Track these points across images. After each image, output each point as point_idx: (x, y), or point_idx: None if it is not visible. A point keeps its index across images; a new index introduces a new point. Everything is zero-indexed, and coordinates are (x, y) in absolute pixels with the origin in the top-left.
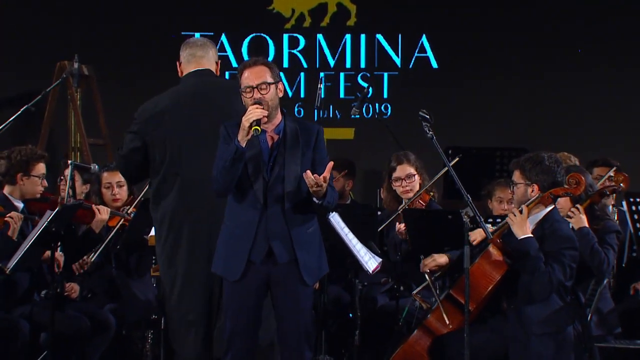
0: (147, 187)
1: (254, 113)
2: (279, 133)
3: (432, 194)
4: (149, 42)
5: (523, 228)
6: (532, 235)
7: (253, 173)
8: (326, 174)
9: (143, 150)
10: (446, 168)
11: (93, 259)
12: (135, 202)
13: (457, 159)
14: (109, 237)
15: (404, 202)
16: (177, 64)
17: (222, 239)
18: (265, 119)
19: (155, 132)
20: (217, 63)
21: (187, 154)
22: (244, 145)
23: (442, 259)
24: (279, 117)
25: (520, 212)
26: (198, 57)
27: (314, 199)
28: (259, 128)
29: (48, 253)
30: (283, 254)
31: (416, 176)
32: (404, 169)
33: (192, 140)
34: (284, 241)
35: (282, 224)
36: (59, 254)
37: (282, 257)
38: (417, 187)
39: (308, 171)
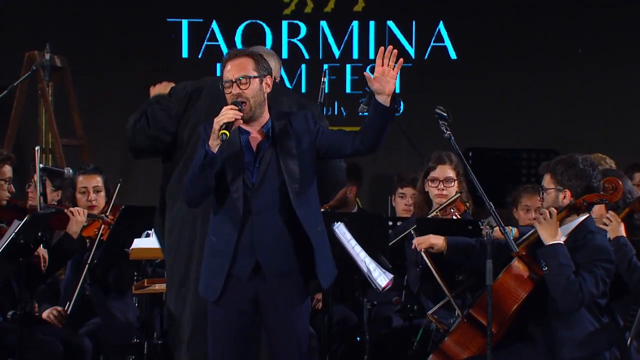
0: (118, 187)
1: (226, 114)
2: (267, 132)
3: (468, 204)
4: (131, 29)
5: (552, 233)
6: (561, 242)
7: (232, 180)
8: (385, 61)
9: (174, 121)
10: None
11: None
12: (111, 207)
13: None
14: (91, 255)
15: (433, 206)
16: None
17: (205, 255)
18: (240, 122)
19: (190, 111)
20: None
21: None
22: (215, 150)
23: (435, 239)
24: (265, 116)
25: (550, 215)
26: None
27: (380, 101)
28: (227, 133)
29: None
30: (272, 267)
31: (455, 181)
32: (444, 171)
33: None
34: (274, 252)
35: (273, 232)
36: (43, 251)
37: (271, 271)
38: (453, 193)
39: (366, 73)
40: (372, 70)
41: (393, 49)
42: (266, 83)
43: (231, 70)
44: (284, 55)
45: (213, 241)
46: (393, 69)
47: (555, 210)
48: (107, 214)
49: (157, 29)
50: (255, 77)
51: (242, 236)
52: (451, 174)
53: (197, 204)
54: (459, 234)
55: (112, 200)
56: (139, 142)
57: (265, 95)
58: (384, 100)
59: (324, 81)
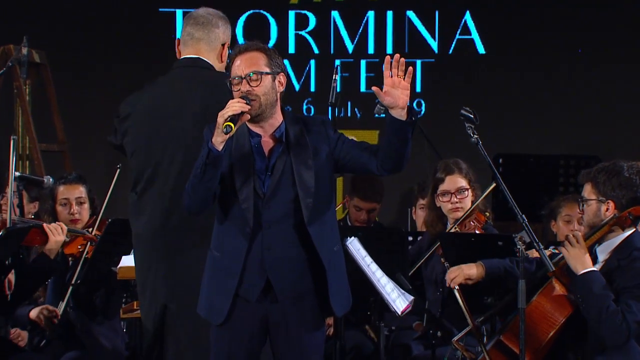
0: (106, 202)
1: (231, 106)
2: (280, 137)
3: (487, 214)
4: (120, 21)
5: (581, 260)
6: (594, 269)
7: (242, 187)
8: (394, 71)
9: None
10: (495, 182)
11: (63, 307)
12: (98, 222)
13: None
14: (75, 275)
15: (449, 224)
16: (176, 42)
17: (206, 271)
18: (247, 117)
19: (134, 132)
20: (223, 46)
21: (169, 162)
22: (220, 148)
23: (471, 270)
24: (278, 118)
25: (577, 240)
26: (196, 39)
27: (395, 116)
28: (232, 125)
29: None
30: (285, 287)
31: (469, 191)
32: (454, 181)
33: (169, 145)
34: (287, 271)
35: (286, 250)
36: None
37: (283, 292)
38: (469, 205)
39: (374, 87)
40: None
41: (400, 56)
42: (279, 81)
43: (241, 66)
44: (291, 49)
45: (216, 257)
46: (404, 78)
47: (582, 234)
48: (92, 229)
49: (149, 20)
50: (267, 73)
51: (251, 252)
52: (463, 183)
53: (199, 211)
54: (488, 251)
55: (99, 218)
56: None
57: (278, 95)
58: (400, 114)
59: (335, 79)
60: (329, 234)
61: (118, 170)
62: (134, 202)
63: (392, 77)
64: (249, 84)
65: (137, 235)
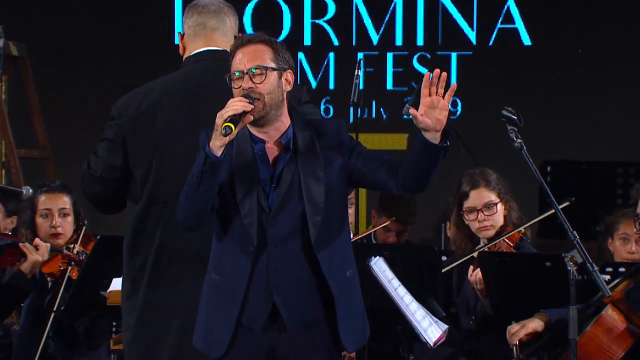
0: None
1: (232, 106)
2: (287, 143)
3: (522, 230)
4: (109, 10)
5: None
6: None
7: (244, 200)
8: (433, 89)
9: (125, 165)
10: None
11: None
12: (82, 237)
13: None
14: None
15: (481, 243)
16: (179, 37)
17: (204, 297)
18: (250, 118)
19: (140, 138)
20: (235, 37)
21: (180, 175)
22: (218, 153)
23: (534, 323)
24: (285, 121)
25: None
26: (209, 29)
27: (428, 138)
28: (232, 126)
29: None
30: (294, 314)
31: (499, 205)
32: (481, 196)
33: (189, 154)
34: (296, 296)
35: (294, 271)
36: None
37: (292, 319)
38: (501, 221)
39: (411, 109)
40: (420, 61)
41: (441, 71)
42: (286, 79)
43: (243, 60)
44: (307, 40)
45: (215, 280)
46: (443, 97)
47: None
48: (76, 245)
49: (144, 9)
50: (273, 69)
51: (255, 274)
52: (491, 196)
53: (195, 226)
54: (533, 273)
55: (82, 233)
56: (108, 212)
57: (285, 94)
58: (433, 137)
59: (358, 74)
60: (341, 257)
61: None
62: (161, 210)
63: (430, 95)
64: (252, 80)
65: (166, 244)
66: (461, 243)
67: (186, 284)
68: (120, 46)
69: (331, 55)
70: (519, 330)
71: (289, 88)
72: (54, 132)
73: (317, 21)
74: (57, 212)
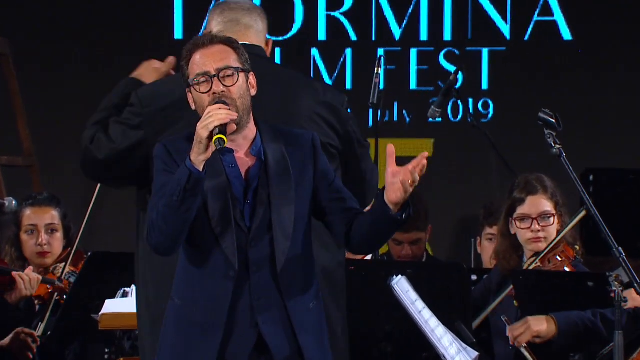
0: (83, 227)
1: (216, 114)
2: (257, 155)
3: (577, 248)
4: (101, 3)
5: None
6: None
7: (219, 220)
8: (419, 162)
9: (141, 159)
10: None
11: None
12: (72, 255)
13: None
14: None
15: (525, 259)
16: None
17: (169, 328)
18: (234, 127)
19: (162, 134)
20: (267, 43)
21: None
22: (201, 168)
23: (541, 325)
24: (252, 129)
25: None
26: (244, 25)
27: (390, 211)
28: (224, 138)
29: None
30: (283, 344)
31: (554, 217)
32: (537, 203)
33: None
34: (283, 325)
35: (277, 298)
36: None
37: (281, 349)
38: (554, 235)
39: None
40: (447, 58)
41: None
42: (251, 83)
43: (207, 61)
44: (321, 35)
45: (184, 310)
46: (412, 182)
47: None
48: (66, 265)
49: (140, 3)
50: (241, 70)
51: (236, 303)
52: (548, 206)
53: (170, 251)
54: (574, 293)
55: (74, 250)
56: (92, 173)
57: (250, 99)
58: (391, 206)
59: (378, 73)
60: (306, 287)
61: (98, 187)
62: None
63: (411, 168)
64: (222, 83)
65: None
66: (506, 254)
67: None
68: (115, 43)
69: (348, 51)
70: (524, 335)
71: (254, 92)
72: (40, 137)
73: (332, 13)
74: (44, 228)
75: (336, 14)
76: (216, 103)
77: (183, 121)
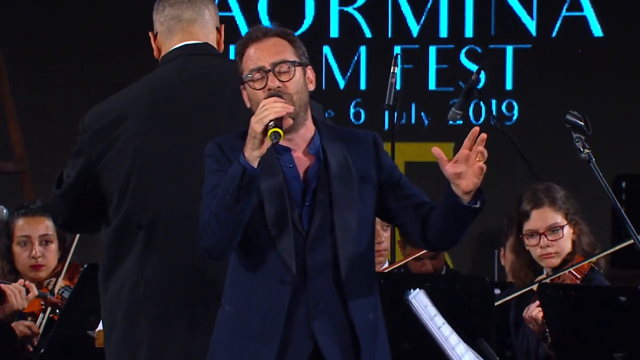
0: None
1: (271, 107)
2: (316, 154)
3: (593, 261)
4: (95, 3)
5: None
6: None
7: (276, 222)
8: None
9: (92, 183)
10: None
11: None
12: (66, 267)
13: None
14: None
15: (544, 273)
16: (151, 37)
17: (221, 336)
18: (291, 121)
19: (109, 152)
20: (218, 30)
21: (159, 193)
22: (256, 164)
23: None
24: (310, 127)
25: None
26: (186, 21)
27: (464, 202)
28: (280, 131)
29: None
30: (340, 356)
31: (565, 228)
32: (544, 217)
33: (171, 169)
34: (341, 335)
35: (336, 307)
36: None
37: None
38: (568, 247)
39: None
40: (469, 56)
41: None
42: (309, 77)
43: (262, 55)
44: (333, 32)
45: (237, 318)
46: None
47: None
48: (60, 278)
49: (134, 4)
50: (298, 64)
51: (293, 310)
52: (557, 218)
53: (223, 254)
54: (605, 309)
55: (67, 264)
56: (70, 231)
57: (308, 95)
58: (462, 194)
59: (394, 72)
60: (368, 296)
61: None
62: (135, 239)
63: (470, 149)
64: (278, 79)
65: (144, 284)
66: (520, 272)
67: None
68: (111, 43)
69: (362, 49)
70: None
71: (312, 87)
72: (32, 141)
73: (345, 9)
74: (38, 239)
75: (349, 9)
76: (271, 96)
77: (119, 142)
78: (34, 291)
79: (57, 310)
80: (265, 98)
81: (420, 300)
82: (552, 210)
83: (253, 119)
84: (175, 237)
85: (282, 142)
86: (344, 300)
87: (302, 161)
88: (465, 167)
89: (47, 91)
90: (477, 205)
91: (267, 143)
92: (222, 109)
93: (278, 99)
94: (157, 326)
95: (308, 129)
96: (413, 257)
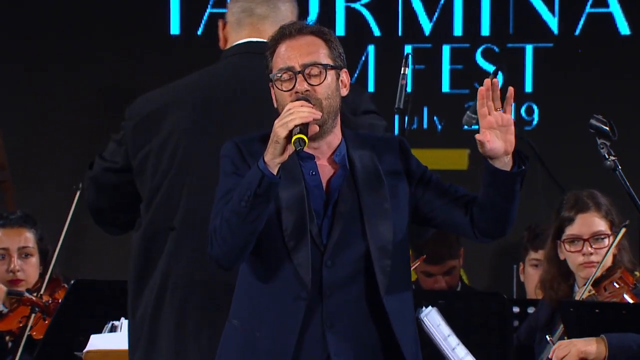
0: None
1: (297, 112)
2: (342, 161)
3: (637, 274)
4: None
5: None
6: None
7: (293, 233)
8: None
9: (125, 174)
10: None
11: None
12: (46, 281)
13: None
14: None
15: (577, 287)
16: (220, 26)
17: (228, 353)
18: (317, 128)
19: (146, 146)
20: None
21: (193, 194)
22: (275, 171)
23: (589, 345)
24: (337, 134)
25: None
26: (257, 17)
27: (497, 166)
28: (305, 138)
29: None
30: None
31: (609, 238)
32: (590, 222)
33: (207, 172)
34: (358, 356)
35: (355, 328)
36: None
37: None
38: (609, 261)
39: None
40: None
41: (493, 77)
42: (342, 80)
43: (292, 54)
44: (339, 30)
45: (246, 335)
46: (503, 109)
47: None
48: (41, 293)
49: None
50: (331, 67)
51: (306, 329)
52: (601, 226)
53: (233, 264)
54: (634, 326)
55: (48, 277)
56: (105, 227)
57: (340, 100)
58: (503, 163)
59: (405, 73)
60: (408, 309)
61: (77, 195)
62: (165, 241)
63: (490, 113)
64: (307, 82)
65: (172, 288)
66: (553, 283)
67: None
68: (102, 40)
69: (370, 48)
70: (570, 354)
71: (345, 92)
72: (14, 147)
73: (352, 5)
74: (17, 252)
75: (356, 5)
76: (298, 100)
77: (160, 136)
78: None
79: (39, 312)
80: (292, 101)
81: (432, 319)
82: (598, 217)
83: (277, 123)
84: (202, 245)
85: (305, 149)
86: (381, 318)
87: (326, 169)
88: (497, 135)
89: (32, 93)
90: (523, 168)
91: (290, 150)
92: (271, 117)
93: (305, 103)
94: (175, 343)
95: (335, 137)
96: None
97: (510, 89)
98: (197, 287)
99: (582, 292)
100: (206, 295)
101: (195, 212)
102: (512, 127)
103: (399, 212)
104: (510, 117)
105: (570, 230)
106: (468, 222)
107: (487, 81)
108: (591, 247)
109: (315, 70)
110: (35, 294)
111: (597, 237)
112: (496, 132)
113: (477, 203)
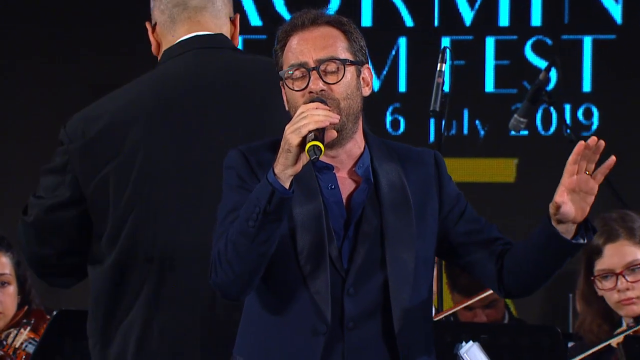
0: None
1: (311, 115)
2: (365, 175)
3: None
4: None
5: None
6: None
7: (310, 256)
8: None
9: (76, 208)
10: None
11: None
12: (24, 312)
13: None
14: None
15: (623, 325)
16: (148, 28)
17: None
18: (335, 134)
19: (105, 169)
20: (232, 21)
21: (172, 219)
22: (288, 184)
23: None
24: (359, 142)
25: None
26: (193, 9)
27: (557, 229)
28: (321, 146)
29: None
30: None
31: None
32: (622, 252)
33: (184, 190)
34: None
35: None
36: None
37: None
38: None
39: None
40: (536, 49)
41: (598, 139)
42: (364, 78)
43: (306, 48)
44: (365, 20)
45: None
46: (593, 174)
47: None
48: (18, 329)
49: None
50: (350, 62)
51: None
52: (638, 253)
53: (239, 295)
54: None
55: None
56: (48, 280)
57: (361, 101)
58: (566, 229)
59: (442, 70)
60: (424, 347)
61: None
62: (145, 275)
63: (579, 172)
64: (323, 80)
65: (158, 333)
66: (592, 325)
67: None
68: (81, 40)
69: (402, 41)
70: None
71: (368, 91)
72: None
73: None
74: None
75: None
76: (312, 101)
77: (119, 157)
78: None
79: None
80: (305, 103)
81: (474, 356)
82: (630, 244)
83: (288, 129)
84: (191, 274)
85: (322, 159)
86: (396, 356)
87: (346, 183)
88: (574, 198)
89: (12, 95)
90: (585, 241)
91: (304, 159)
92: (248, 119)
93: (321, 105)
94: None
95: (357, 144)
96: (464, 305)
97: (612, 158)
98: (193, 325)
99: (626, 332)
100: (205, 332)
101: (178, 241)
102: (593, 197)
103: (424, 238)
104: (596, 186)
105: (600, 265)
106: (495, 274)
107: (593, 139)
108: (626, 280)
109: (332, 67)
110: (15, 332)
111: (632, 267)
112: (574, 196)
113: (514, 257)
